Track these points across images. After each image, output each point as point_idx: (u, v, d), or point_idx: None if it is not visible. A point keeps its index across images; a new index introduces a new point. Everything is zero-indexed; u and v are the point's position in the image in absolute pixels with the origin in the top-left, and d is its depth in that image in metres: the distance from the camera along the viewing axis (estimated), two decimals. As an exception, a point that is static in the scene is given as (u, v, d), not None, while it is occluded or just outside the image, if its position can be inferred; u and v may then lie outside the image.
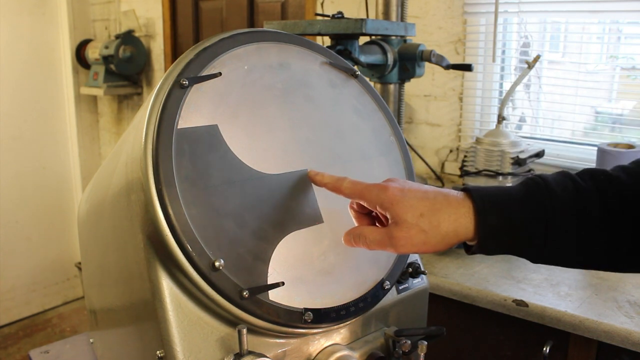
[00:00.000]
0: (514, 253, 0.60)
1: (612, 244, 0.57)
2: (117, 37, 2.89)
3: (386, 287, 0.69)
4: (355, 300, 0.66)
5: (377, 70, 1.49)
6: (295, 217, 0.65)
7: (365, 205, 0.63)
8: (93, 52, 3.03)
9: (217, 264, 0.56)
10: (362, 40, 1.47)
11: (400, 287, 0.77)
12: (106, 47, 2.90)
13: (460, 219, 0.58)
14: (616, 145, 1.51)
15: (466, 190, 0.61)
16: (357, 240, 0.62)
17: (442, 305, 1.33)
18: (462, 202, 0.59)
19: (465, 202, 0.59)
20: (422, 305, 0.82)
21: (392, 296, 0.76)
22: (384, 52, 1.46)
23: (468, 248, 0.62)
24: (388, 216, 0.60)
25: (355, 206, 0.67)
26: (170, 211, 0.56)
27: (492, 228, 0.58)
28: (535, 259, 0.60)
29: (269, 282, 0.60)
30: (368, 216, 0.67)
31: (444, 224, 0.58)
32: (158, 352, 0.59)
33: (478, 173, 1.57)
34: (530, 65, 1.56)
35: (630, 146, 1.50)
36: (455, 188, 0.63)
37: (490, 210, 0.58)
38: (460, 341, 1.35)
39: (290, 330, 0.62)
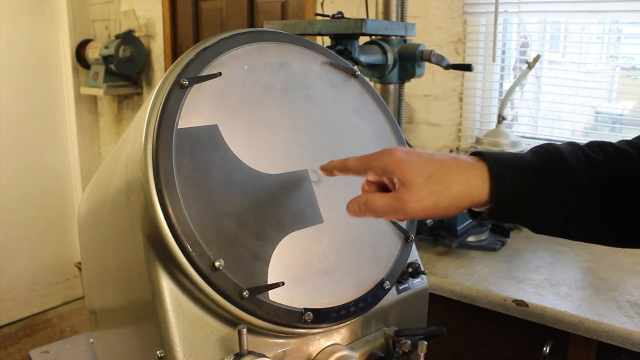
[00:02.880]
0: (522, 222, 0.58)
1: (620, 218, 0.56)
2: (117, 37, 2.89)
3: (386, 287, 0.69)
4: (355, 300, 0.66)
5: (377, 70, 1.49)
6: (295, 217, 0.65)
7: (372, 175, 0.59)
8: (93, 52, 3.03)
9: (217, 264, 0.56)
10: (362, 40, 1.47)
11: (400, 287, 0.77)
12: (106, 47, 2.90)
13: (472, 181, 0.55)
14: (616, 145, 1.51)
15: (477, 154, 0.58)
16: (363, 208, 0.58)
17: (442, 305, 1.33)
18: (473, 165, 0.56)
19: (477, 164, 0.56)
20: (422, 305, 0.82)
21: (392, 296, 0.76)
22: (384, 52, 1.46)
23: (474, 214, 0.60)
24: (395, 180, 0.56)
25: (366, 188, 0.63)
26: (170, 211, 0.56)
27: (508, 194, 0.55)
28: (540, 229, 0.58)
29: (269, 282, 0.60)
30: None
31: (455, 185, 0.55)
32: (158, 352, 0.59)
33: (478, 173, 1.57)
34: (530, 65, 1.56)
35: (630, 146, 1.49)
36: None
37: (505, 175, 0.55)
38: (460, 341, 1.35)
39: (290, 330, 0.62)
